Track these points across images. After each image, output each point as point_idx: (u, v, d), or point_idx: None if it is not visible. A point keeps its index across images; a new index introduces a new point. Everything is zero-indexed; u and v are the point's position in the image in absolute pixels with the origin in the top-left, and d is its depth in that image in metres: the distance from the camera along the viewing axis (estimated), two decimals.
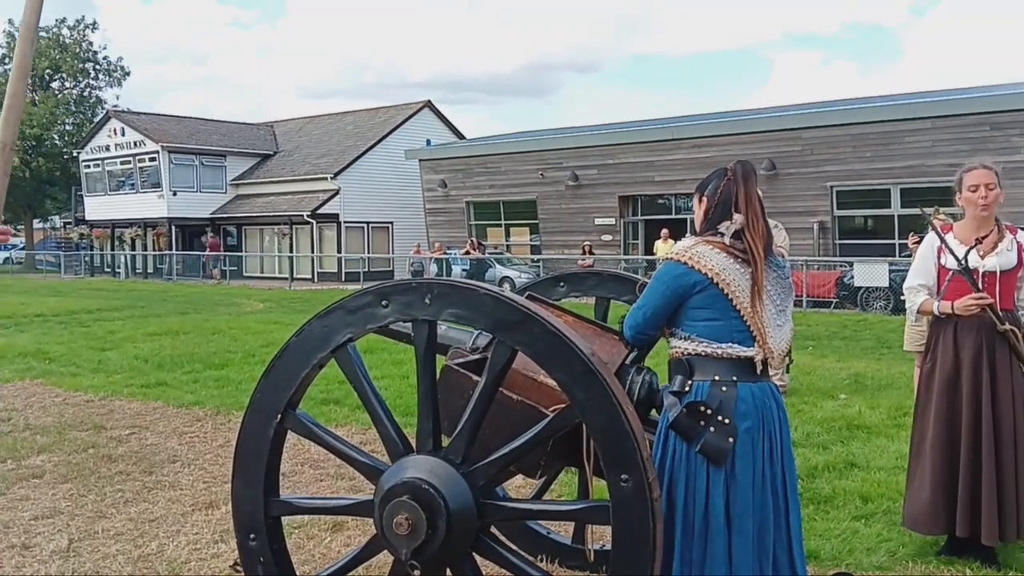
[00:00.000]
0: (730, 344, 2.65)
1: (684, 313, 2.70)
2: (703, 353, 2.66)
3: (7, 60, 47.30)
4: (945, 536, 4.06)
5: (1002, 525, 3.83)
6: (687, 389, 2.66)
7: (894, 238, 21.14)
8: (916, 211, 19.34)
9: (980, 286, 3.91)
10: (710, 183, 2.82)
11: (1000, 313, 3.88)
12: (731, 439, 2.57)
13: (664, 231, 22.19)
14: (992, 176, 3.94)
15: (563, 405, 2.50)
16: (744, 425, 2.59)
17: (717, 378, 2.63)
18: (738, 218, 2.70)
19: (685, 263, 2.68)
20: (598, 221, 27.78)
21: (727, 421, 2.58)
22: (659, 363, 2.93)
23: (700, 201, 2.84)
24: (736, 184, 2.74)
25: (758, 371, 2.67)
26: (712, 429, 2.58)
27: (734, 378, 2.63)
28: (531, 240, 30.34)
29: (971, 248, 3.98)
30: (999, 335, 3.88)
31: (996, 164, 4.03)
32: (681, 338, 2.72)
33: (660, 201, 27.36)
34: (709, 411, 2.59)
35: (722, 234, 2.70)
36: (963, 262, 3.97)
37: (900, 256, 19.23)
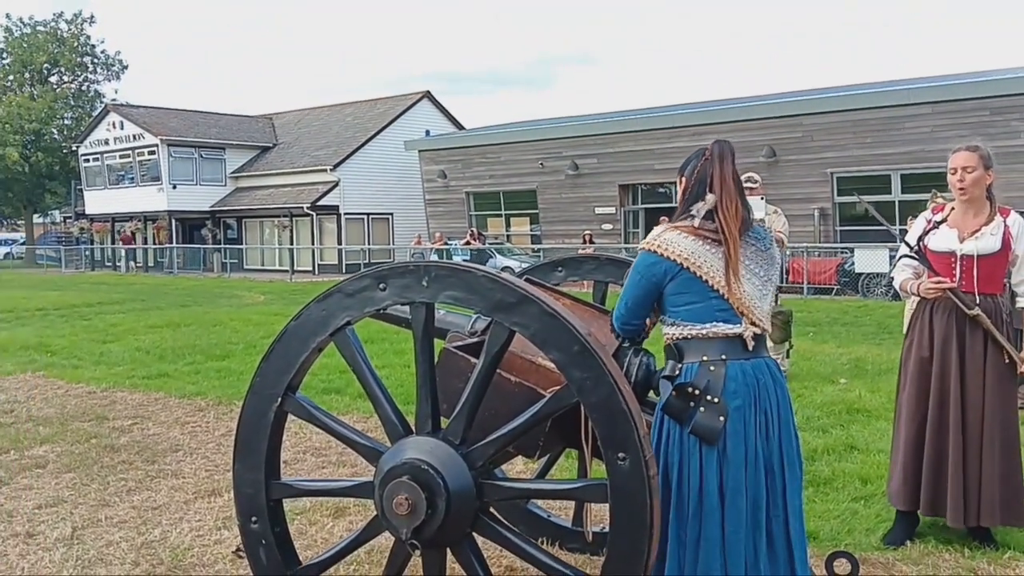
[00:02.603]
0: (714, 323, 2.66)
1: (666, 300, 2.72)
2: (689, 336, 2.68)
3: (4, 55, 47.27)
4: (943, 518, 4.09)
5: (967, 508, 3.85)
6: (677, 372, 2.68)
7: (895, 224, 21.13)
8: (920, 196, 19.39)
9: (958, 269, 3.90)
10: (689, 163, 2.84)
11: (967, 298, 3.85)
12: (722, 418, 2.58)
13: (663, 218, 22.14)
14: (972, 159, 3.89)
15: (560, 386, 2.51)
16: (735, 403, 2.60)
17: (705, 358, 2.65)
18: (710, 198, 2.70)
19: (654, 252, 2.70)
20: (598, 210, 27.77)
21: (716, 400, 2.59)
22: (660, 348, 2.94)
23: (680, 181, 2.87)
24: (712, 164, 2.75)
25: (749, 347, 2.67)
26: (702, 409, 2.59)
27: (723, 357, 2.64)
28: (531, 230, 30.34)
29: (928, 231, 3.99)
30: (971, 319, 3.88)
31: (985, 147, 3.97)
32: (668, 324, 2.75)
33: (660, 189, 27.34)
34: (697, 392, 2.61)
35: (693, 216, 2.71)
36: (915, 246, 3.99)
37: (900, 242, 19.22)
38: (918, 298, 4.05)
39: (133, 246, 37.95)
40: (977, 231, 3.90)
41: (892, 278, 4.30)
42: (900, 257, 4.15)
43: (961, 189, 3.91)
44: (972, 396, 3.87)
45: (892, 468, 4.16)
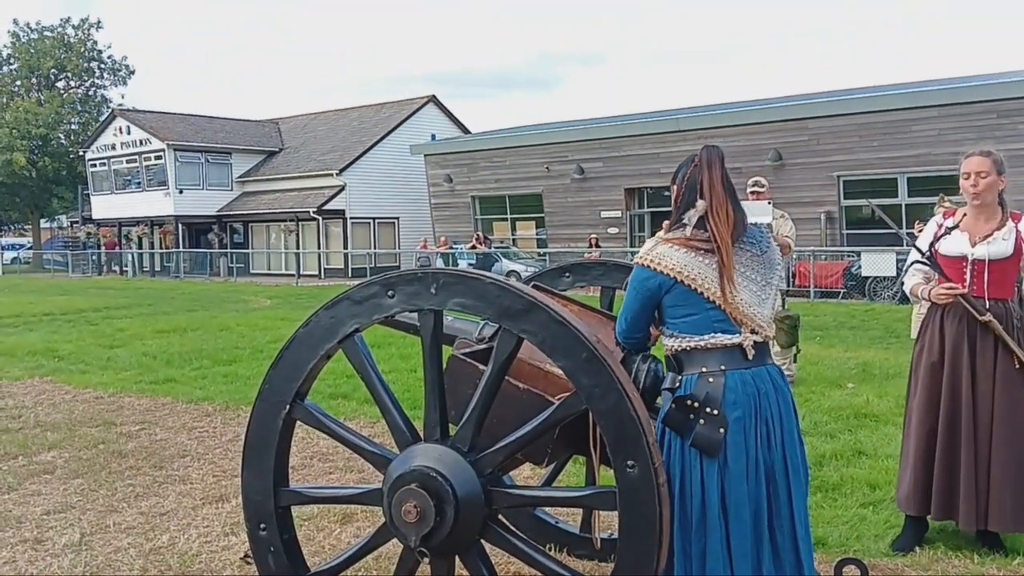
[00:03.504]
0: (712, 334, 2.64)
1: (664, 312, 2.72)
2: (688, 348, 2.67)
3: (12, 60, 47.48)
4: (953, 523, 4.08)
5: (978, 513, 3.83)
6: (677, 384, 2.67)
7: (902, 227, 21.03)
8: (927, 200, 19.36)
9: (969, 274, 3.89)
10: (680, 171, 2.83)
11: (978, 303, 3.83)
12: (722, 429, 2.56)
13: (666, 223, 22.05)
14: (986, 164, 3.87)
15: (569, 393, 2.51)
16: (735, 414, 2.58)
17: (704, 370, 2.63)
18: (701, 204, 2.70)
19: (647, 267, 2.69)
20: (604, 214, 27.76)
21: (715, 412, 2.57)
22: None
23: (673, 189, 2.86)
24: (701, 170, 2.74)
25: (749, 356, 2.65)
26: (702, 421, 2.58)
27: (722, 367, 2.62)
28: (537, 234, 30.34)
29: (941, 236, 3.97)
30: (982, 324, 3.86)
31: (997, 151, 3.96)
32: (668, 336, 2.74)
33: (666, 193, 27.18)
34: (696, 404, 2.59)
35: (685, 224, 2.71)
36: (926, 251, 3.97)
37: (907, 246, 19.16)
38: (929, 303, 4.04)
39: (118, 251, 38.56)
40: (989, 236, 3.89)
41: (903, 282, 4.28)
42: (912, 263, 4.13)
43: (974, 194, 3.89)
44: (983, 401, 3.86)
45: (902, 473, 4.14)
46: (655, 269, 2.68)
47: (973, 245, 3.90)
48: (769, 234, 2.89)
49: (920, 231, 7.66)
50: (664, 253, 2.68)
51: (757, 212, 7.36)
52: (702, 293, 2.64)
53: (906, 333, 8.97)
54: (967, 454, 3.85)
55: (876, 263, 18.73)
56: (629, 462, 2.35)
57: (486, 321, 3.18)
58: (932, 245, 4.01)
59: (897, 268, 17.87)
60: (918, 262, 4.06)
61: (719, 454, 2.57)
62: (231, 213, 37.44)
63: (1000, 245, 3.87)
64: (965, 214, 4.01)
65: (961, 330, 3.89)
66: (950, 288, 3.85)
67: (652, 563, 2.35)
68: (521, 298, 2.45)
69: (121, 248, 39.45)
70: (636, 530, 2.36)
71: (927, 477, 3.96)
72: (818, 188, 22.90)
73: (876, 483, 4.87)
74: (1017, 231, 3.90)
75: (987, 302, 3.87)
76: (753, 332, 2.67)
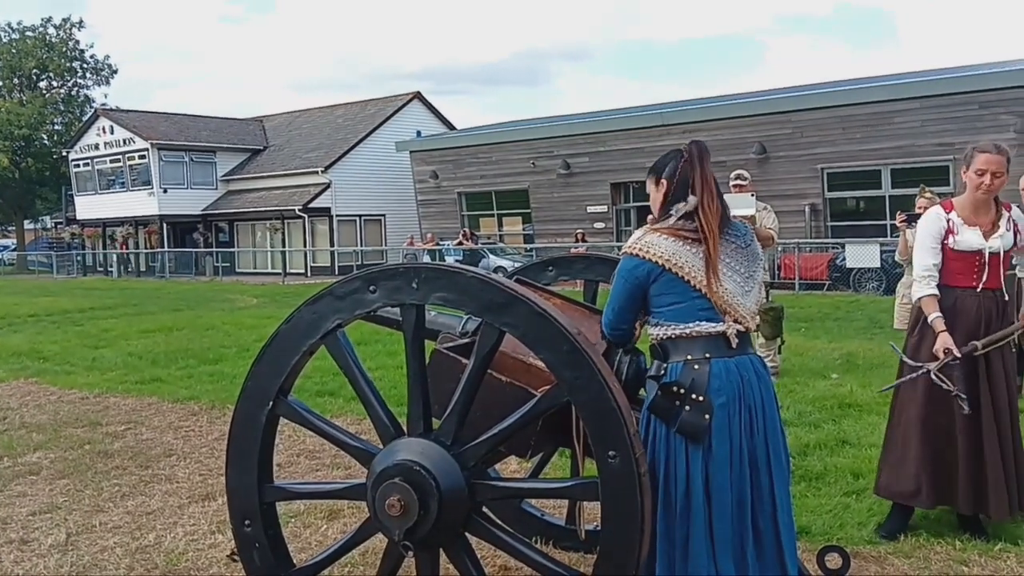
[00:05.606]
0: (697, 323, 2.68)
1: (650, 301, 2.76)
2: (673, 336, 2.71)
3: None
4: (937, 510, 4.11)
5: (1011, 500, 3.87)
6: (662, 372, 2.71)
7: (885, 219, 21.18)
8: (910, 191, 19.46)
9: (986, 267, 3.90)
10: (667, 165, 2.85)
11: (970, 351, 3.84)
12: (707, 416, 2.60)
13: (650, 217, 22.13)
14: (1002, 163, 3.87)
15: (551, 385, 2.53)
16: (719, 401, 2.62)
17: (689, 358, 2.67)
18: (692, 200, 2.74)
19: (636, 255, 2.73)
20: (590, 209, 27.79)
21: (701, 399, 2.61)
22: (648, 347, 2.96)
23: (658, 184, 2.87)
24: (692, 166, 2.78)
25: (733, 345, 2.70)
26: (687, 408, 2.62)
27: (707, 355, 2.67)
28: (524, 229, 30.34)
29: (948, 235, 3.95)
30: (995, 313, 3.89)
31: (1005, 146, 3.95)
32: (653, 325, 2.78)
33: None
34: (682, 391, 2.63)
35: (671, 216, 2.75)
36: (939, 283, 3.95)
37: (891, 237, 19.28)
38: (915, 295, 4.01)
39: (126, 251, 38.45)
40: (995, 229, 3.93)
41: (910, 284, 4.24)
42: (926, 277, 3.96)
43: (988, 190, 3.89)
44: (999, 392, 3.89)
45: (899, 467, 4.08)
46: (644, 257, 2.71)
47: (986, 238, 3.92)
48: (750, 228, 2.93)
49: (903, 221, 7.64)
50: (652, 242, 2.72)
51: (740, 204, 7.37)
52: (688, 281, 2.68)
53: (890, 324, 9.01)
54: (990, 447, 3.85)
55: (860, 254, 18.84)
56: (611, 453, 2.36)
57: (469, 315, 3.19)
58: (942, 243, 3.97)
59: (881, 260, 17.98)
60: (929, 272, 3.97)
61: (704, 440, 2.61)
62: (216, 212, 37.28)
63: (1008, 237, 3.95)
64: (958, 205, 4.01)
65: (974, 330, 3.88)
66: (948, 351, 3.75)
67: (634, 552, 2.37)
68: (502, 292, 2.46)
69: (104, 248, 39.23)
70: (618, 519, 2.38)
71: (934, 470, 3.95)
72: (802, 180, 23.00)
73: (859, 472, 4.91)
74: (1012, 221, 3.97)
75: (995, 293, 3.93)
76: (736, 322, 2.71)
